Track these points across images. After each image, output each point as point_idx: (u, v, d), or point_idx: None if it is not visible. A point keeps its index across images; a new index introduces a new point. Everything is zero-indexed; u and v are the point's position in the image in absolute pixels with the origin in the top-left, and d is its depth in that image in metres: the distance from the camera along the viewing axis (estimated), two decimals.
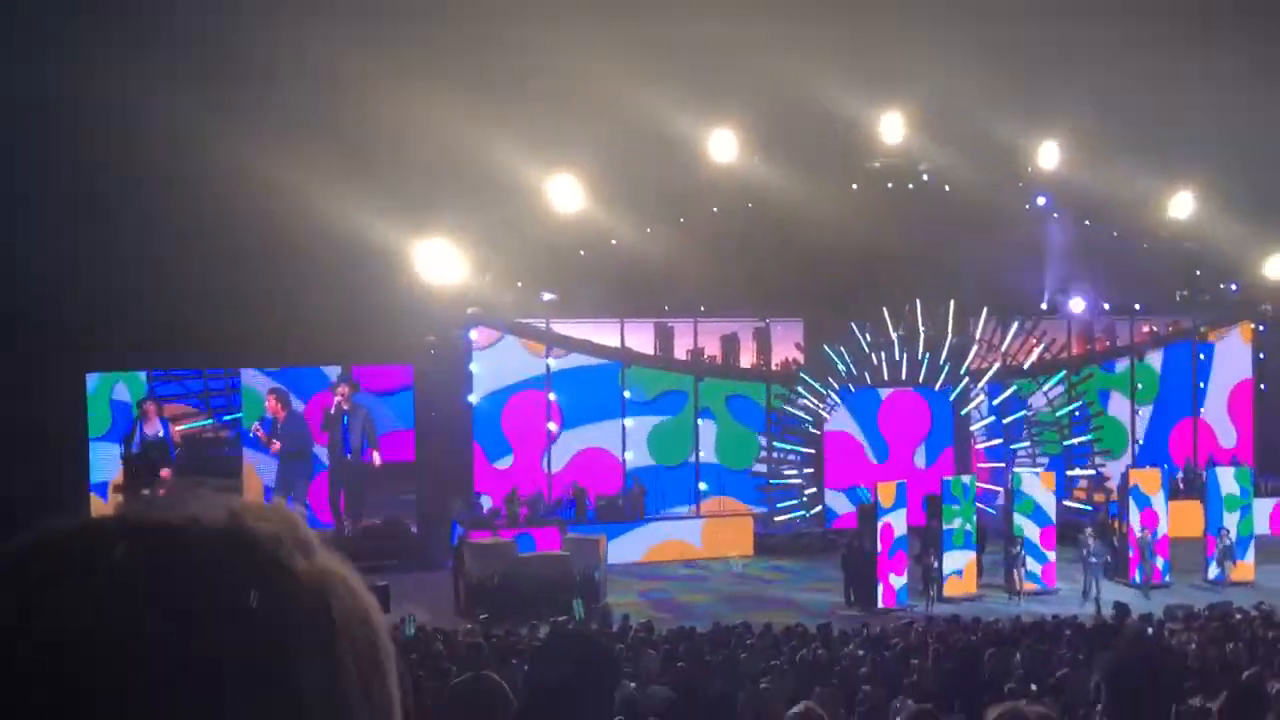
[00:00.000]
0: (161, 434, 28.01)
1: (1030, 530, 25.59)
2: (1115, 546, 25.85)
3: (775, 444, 31.05)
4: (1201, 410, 35.05)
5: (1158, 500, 26.21)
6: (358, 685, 0.85)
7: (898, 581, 24.39)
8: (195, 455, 28.37)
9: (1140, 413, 34.46)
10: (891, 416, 32.20)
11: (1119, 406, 34.12)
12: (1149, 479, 26.71)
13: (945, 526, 24.99)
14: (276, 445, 29.17)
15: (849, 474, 31.31)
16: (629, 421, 31.03)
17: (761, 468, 31.10)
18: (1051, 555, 25.68)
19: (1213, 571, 25.93)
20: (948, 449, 32.34)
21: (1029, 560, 25.00)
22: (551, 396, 30.65)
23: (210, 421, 29.23)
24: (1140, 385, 34.46)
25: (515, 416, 30.39)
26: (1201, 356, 35.03)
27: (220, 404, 29.47)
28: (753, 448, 31.47)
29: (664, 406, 31.41)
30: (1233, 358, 35.52)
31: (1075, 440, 32.32)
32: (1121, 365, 34.46)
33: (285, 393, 29.50)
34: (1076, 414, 32.52)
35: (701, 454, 31.42)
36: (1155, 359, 34.91)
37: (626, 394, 31.06)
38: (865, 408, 32.15)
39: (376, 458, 29.41)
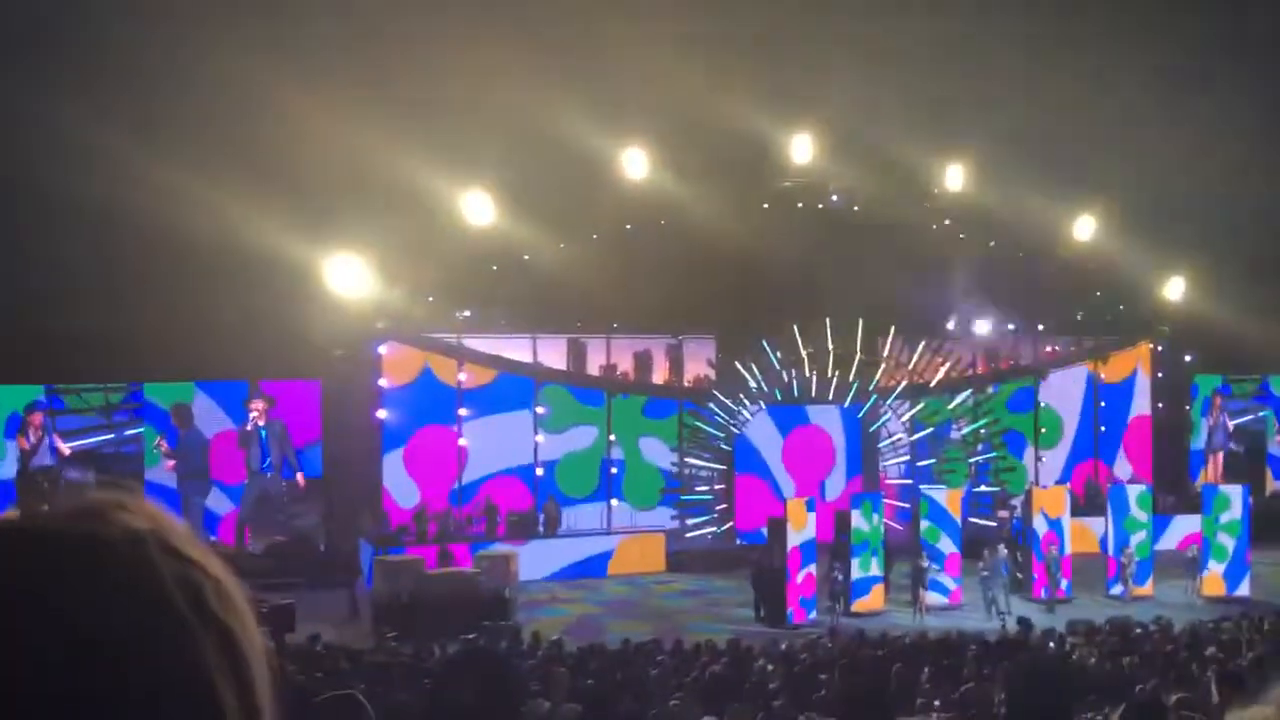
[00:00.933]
0: (46, 444, 27.39)
1: (943, 546, 26.01)
2: (1019, 561, 26.30)
3: (687, 459, 31.13)
4: (1101, 436, 35.97)
5: (1063, 520, 26.76)
6: (226, 685, 0.83)
7: (807, 604, 24.60)
8: (98, 469, 27.70)
9: (1043, 458, 35.25)
10: (796, 452, 32.31)
11: (1020, 445, 34.73)
12: (1053, 499, 27.24)
13: (853, 544, 25.27)
14: (171, 465, 28.64)
15: (757, 515, 31.04)
16: (540, 438, 30.93)
17: (673, 485, 31.18)
18: (951, 581, 26.06)
19: (1116, 589, 26.48)
20: (855, 478, 32.64)
21: (937, 576, 25.39)
22: (461, 440, 30.40)
23: (111, 436, 28.56)
24: (1044, 429, 35.32)
25: (422, 453, 30.15)
26: (1102, 404, 35.92)
27: (123, 418, 28.84)
28: (657, 487, 31.47)
29: (574, 440, 31.40)
30: (1131, 393, 36.54)
31: (980, 457, 32.88)
32: (1023, 402, 35.18)
33: (186, 408, 28.96)
34: (982, 431, 33.08)
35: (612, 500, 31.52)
36: (1059, 401, 35.65)
37: (540, 409, 30.95)
38: (769, 445, 32.36)
39: (300, 478, 29.07)
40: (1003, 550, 25.50)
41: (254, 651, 0.87)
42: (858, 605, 24.83)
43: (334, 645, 18.39)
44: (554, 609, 25.85)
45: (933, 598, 25.13)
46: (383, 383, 29.74)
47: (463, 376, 30.50)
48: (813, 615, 24.44)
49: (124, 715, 0.76)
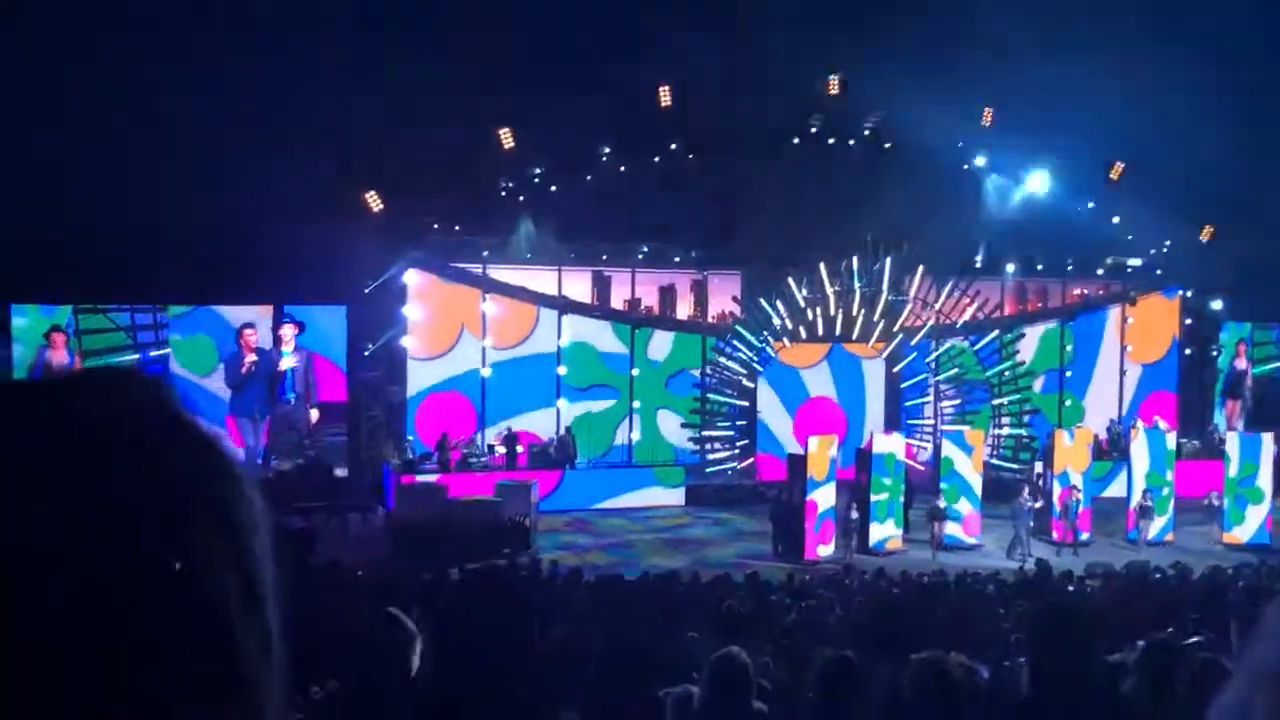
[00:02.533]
0: (67, 364, 27.41)
1: (962, 465, 26.18)
2: (1041, 506, 26.27)
3: (709, 395, 31.09)
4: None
5: (1085, 470, 26.78)
6: (224, 562, 0.80)
7: (824, 549, 24.70)
8: None
9: (1067, 400, 35.30)
10: (808, 421, 32.18)
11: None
12: (1077, 446, 27.15)
13: (874, 498, 25.33)
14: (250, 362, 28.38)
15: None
16: (562, 402, 31.12)
17: (693, 419, 31.16)
18: (971, 509, 26.16)
19: (1147, 532, 26.48)
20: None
21: (949, 517, 25.48)
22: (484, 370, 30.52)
23: (136, 356, 28.67)
24: (1068, 402, 35.21)
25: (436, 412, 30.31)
26: (1130, 346, 35.77)
27: (148, 339, 28.97)
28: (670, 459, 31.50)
29: (595, 396, 31.43)
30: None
31: (1005, 400, 32.66)
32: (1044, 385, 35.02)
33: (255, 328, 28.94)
34: (1006, 373, 32.84)
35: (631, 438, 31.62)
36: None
37: (562, 370, 31.08)
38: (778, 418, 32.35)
39: (315, 414, 28.93)
40: (1026, 493, 25.48)
41: (254, 530, 0.84)
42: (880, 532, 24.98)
43: (354, 568, 18.57)
44: (572, 538, 26.04)
45: (951, 526, 25.30)
46: (407, 311, 29.77)
47: (488, 307, 30.52)
48: (829, 551, 24.56)
49: (111, 588, 0.74)
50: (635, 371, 31.65)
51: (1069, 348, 35.71)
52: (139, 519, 0.76)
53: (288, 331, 28.87)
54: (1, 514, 0.73)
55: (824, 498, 24.72)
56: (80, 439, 0.77)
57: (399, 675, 3.46)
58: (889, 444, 26.08)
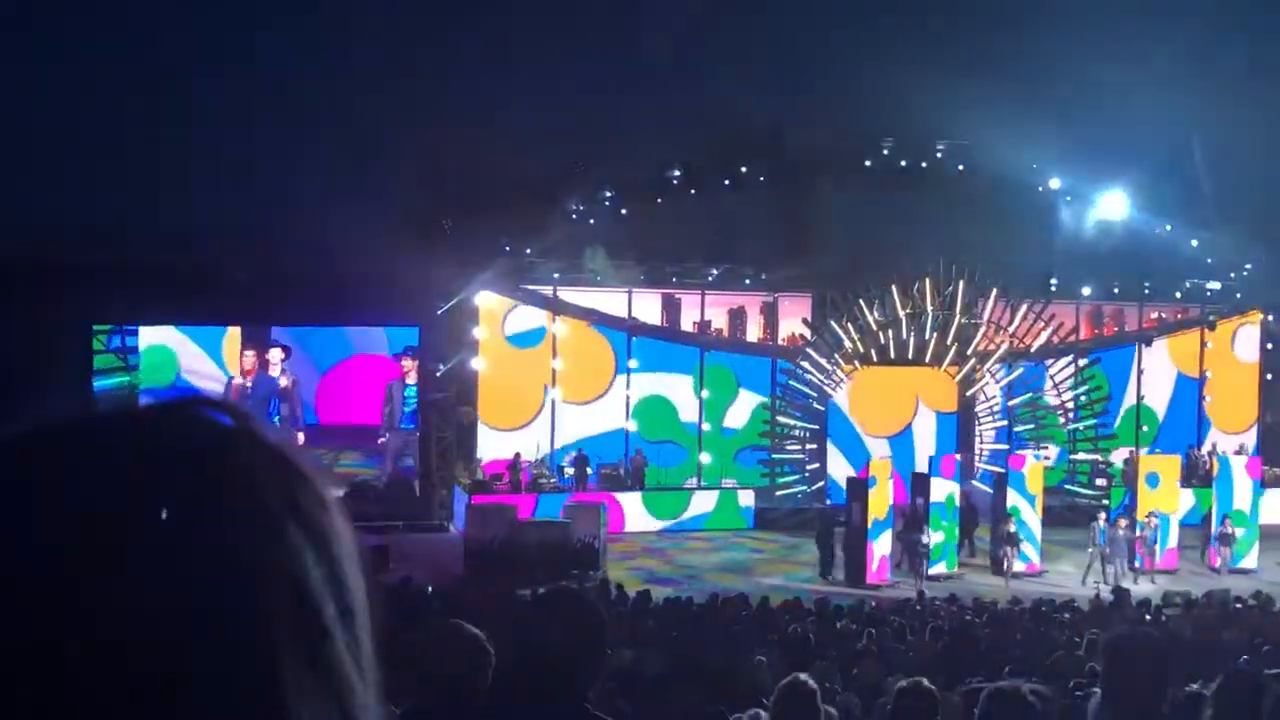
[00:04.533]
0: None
1: (1025, 512, 25.65)
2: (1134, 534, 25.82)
3: (779, 419, 30.90)
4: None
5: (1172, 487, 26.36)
6: (324, 590, 0.81)
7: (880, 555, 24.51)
8: None
9: (1144, 426, 34.72)
10: None
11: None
12: (1167, 466, 26.76)
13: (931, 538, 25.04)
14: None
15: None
16: (630, 424, 31.16)
17: (764, 441, 31.02)
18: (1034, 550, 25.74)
19: (1217, 561, 25.99)
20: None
21: (1023, 541, 25.06)
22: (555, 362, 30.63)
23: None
24: (1145, 427, 34.66)
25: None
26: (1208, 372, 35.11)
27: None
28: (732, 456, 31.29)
29: (662, 383, 31.45)
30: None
31: (1079, 425, 32.13)
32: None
33: (262, 352, 29.30)
34: (1082, 398, 32.32)
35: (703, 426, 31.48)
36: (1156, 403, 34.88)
37: (633, 363, 31.09)
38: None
39: (300, 437, 28.78)
40: (1124, 522, 25.05)
41: (350, 557, 0.85)
42: (934, 569, 24.66)
43: (425, 587, 18.71)
44: (641, 561, 26.02)
45: (1017, 564, 24.90)
46: (477, 333, 30.00)
47: (558, 329, 30.65)
48: (889, 576, 24.33)
49: (216, 615, 0.75)
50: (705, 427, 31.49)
51: (1143, 373, 35.12)
52: (238, 538, 0.78)
53: (275, 355, 29.18)
54: (118, 543, 0.74)
55: (879, 502, 24.55)
56: (175, 466, 0.78)
57: (475, 694, 3.49)
58: (945, 487, 25.56)
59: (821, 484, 30.86)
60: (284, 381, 28.99)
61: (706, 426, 31.53)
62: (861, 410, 31.91)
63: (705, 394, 31.60)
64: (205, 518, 0.77)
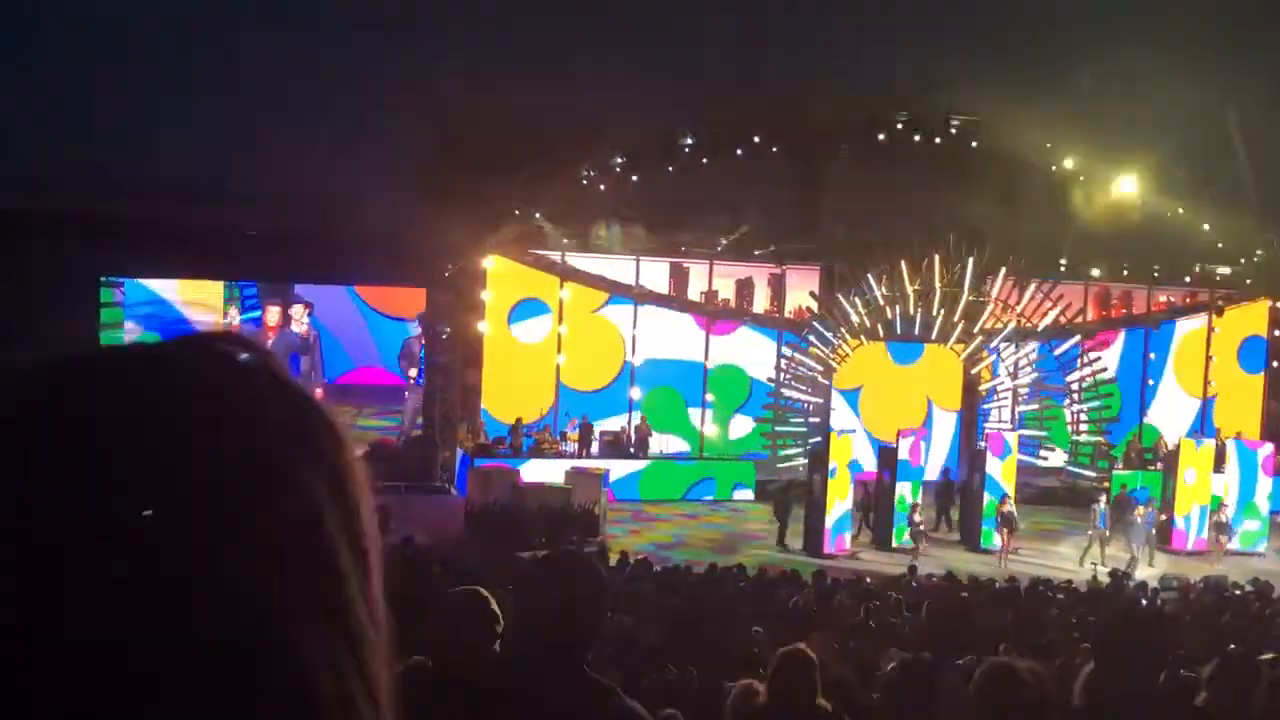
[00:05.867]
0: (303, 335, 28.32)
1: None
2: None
3: (783, 391, 30.87)
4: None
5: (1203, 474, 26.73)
6: (337, 528, 0.81)
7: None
8: None
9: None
10: None
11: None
12: (1202, 460, 26.99)
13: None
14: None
15: None
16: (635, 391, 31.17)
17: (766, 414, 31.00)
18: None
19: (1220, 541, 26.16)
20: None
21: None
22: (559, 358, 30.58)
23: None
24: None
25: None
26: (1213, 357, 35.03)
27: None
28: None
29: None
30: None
31: (1085, 406, 32.06)
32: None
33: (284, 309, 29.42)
34: (1088, 380, 32.24)
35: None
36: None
37: (635, 361, 31.10)
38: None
39: (320, 393, 28.92)
40: (1143, 506, 25.13)
41: (363, 495, 0.84)
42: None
43: (427, 548, 18.81)
44: (641, 529, 26.09)
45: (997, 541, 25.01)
46: (484, 296, 29.98)
47: (565, 295, 30.60)
48: (847, 547, 24.88)
49: (233, 550, 0.75)
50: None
51: (1152, 356, 35.07)
52: (253, 470, 0.77)
53: (297, 310, 29.31)
54: (131, 481, 0.74)
55: (844, 494, 24.94)
56: (191, 398, 0.78)
57: (482, 652, 3.52)
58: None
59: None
60: (304, 334, 29.15)
61: (713, 431, 31.49)
62: (874, 416, 31.60)
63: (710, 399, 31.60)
64: (219, 452, 0.77)
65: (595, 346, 30.67)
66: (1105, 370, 32.55)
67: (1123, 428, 32.96)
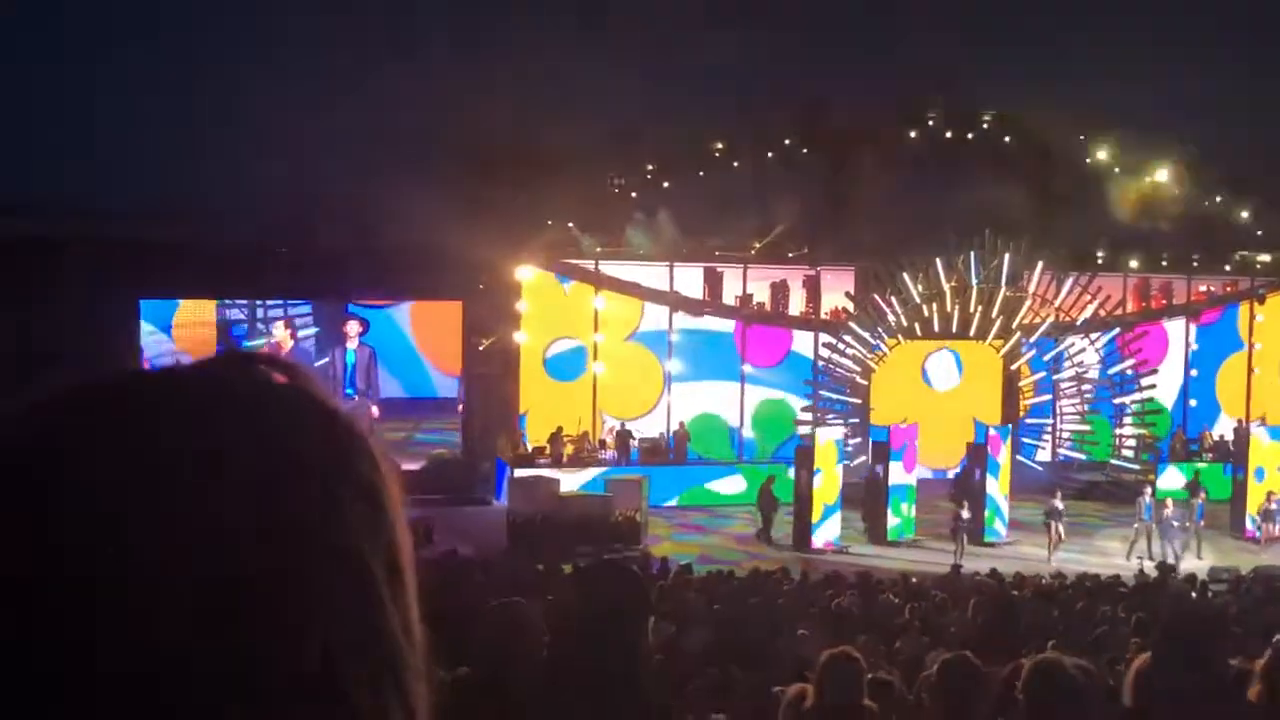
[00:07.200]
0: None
1: (990, 485, 26.19)
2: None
3: (821, 393, 30.74)
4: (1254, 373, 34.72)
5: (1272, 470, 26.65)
6: (374, 550, 0.80)
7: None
8: None
9: (1194, 400, 34.48)
10: None
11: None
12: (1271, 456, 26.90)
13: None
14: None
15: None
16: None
17: (806, 417, 30.88)
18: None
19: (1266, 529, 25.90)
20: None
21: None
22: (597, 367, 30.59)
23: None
24: (1193, 402, 34.33)
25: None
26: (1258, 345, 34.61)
27: (240, 333, 29.67)
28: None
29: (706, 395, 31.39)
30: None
31: (1126, 399, 31.78)
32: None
33: (294, 322, 29.55)
34: (1129, 372, 31.96)
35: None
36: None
37: (671, 364, 31.08)
38: None
39: (375, 410, 29.17)
40: (1172, 505, 24.90)
41: (399, 514, 0.84)
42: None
43: (470, 560, 18.89)
44: (683, 535, 26.09)
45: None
46: (519, 307, 30.03)
47: (599, 303, 30.59)
48: (837, 543, 25.13)
49: (272, 578, 0.75)
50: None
51: (1194, 346, 34.74)
52: (290, 493, 0.77)
53: (353, 327, 29.38)
54: (159, 498, 0.73)
55: (828, 489, 25.23)
56: (228, 420, 0.78)
57: (527, 663, 3.54)
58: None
59: (863, 459, 30.67)
60: (358, 352, 29.31)
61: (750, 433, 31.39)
62: (928, 448, 31.06)
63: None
64: (252, 473, 0.76)
65: (632, 376, 30.63)
66: (1155, 388, 32.08)
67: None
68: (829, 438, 26.34)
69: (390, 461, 0.86)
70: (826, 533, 25.33)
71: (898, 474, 26.14)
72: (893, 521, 25.94)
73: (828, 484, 25.38)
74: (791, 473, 26.07)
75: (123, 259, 26.43)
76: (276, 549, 0.75)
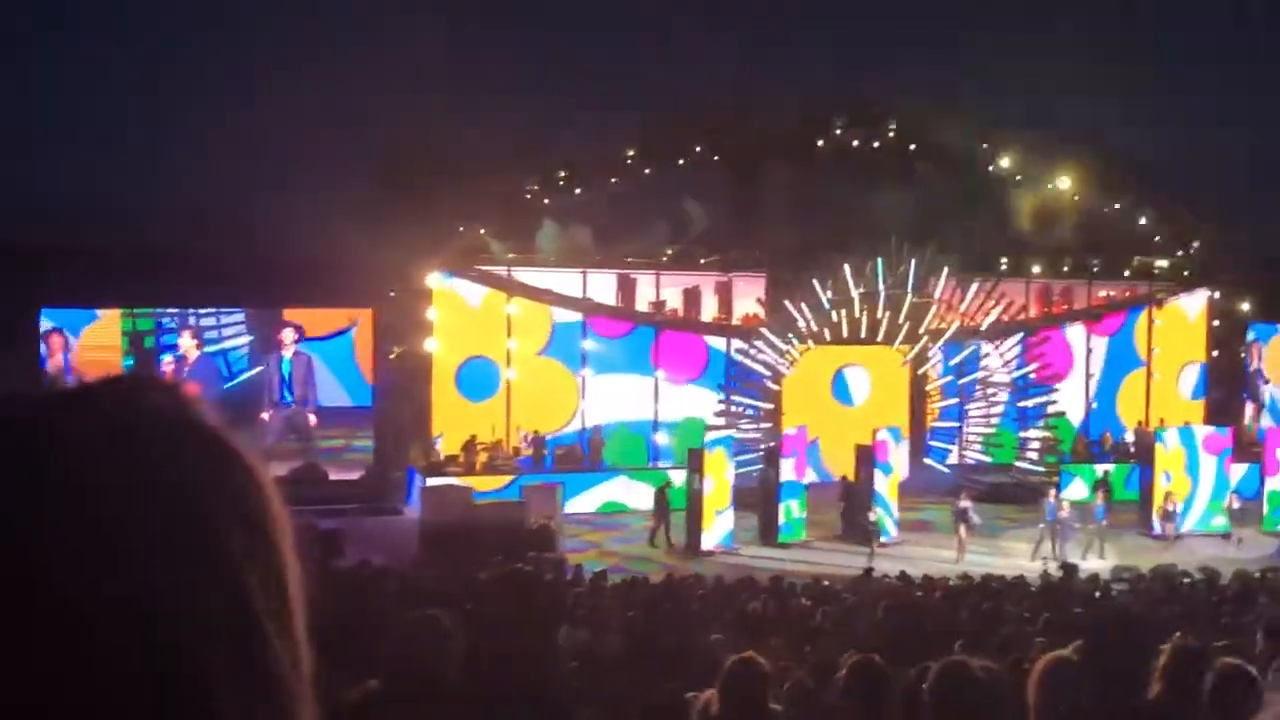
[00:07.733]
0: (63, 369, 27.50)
1: (880, 483, 26.49)
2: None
3: (734, 398, 31.00)
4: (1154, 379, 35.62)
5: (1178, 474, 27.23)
6: (254, 577, 0.79)
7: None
8: None
9: (1094, 404, 35.11)
10: None
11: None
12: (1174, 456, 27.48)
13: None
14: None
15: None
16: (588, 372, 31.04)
17: (718, 421, 31.05)
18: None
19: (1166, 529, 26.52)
20: None
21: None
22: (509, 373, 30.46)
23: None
24: (1094, 405, 35.04)
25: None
26: (1158, 350, 35.46)
27: (151, 345, 29.05)
28: None
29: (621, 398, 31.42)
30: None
31: (1029, 402, 32.48)
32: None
33: (200, 333, 29.01)
34: (1031, 376, 32.69)
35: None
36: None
37: (587, 344, 31.03)
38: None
39: (312, 417, 28.85)
40: (1069, 507, 25.39)
41: (284, 536, 0.82)
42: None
43: (383, 570, 18.64)
44: (597, 542, 26.06)
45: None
46: (430, 315, 29.80)
47: (512, 310, 30.48)
48: (729, 544, 25.42)
49: (145, 605, 0.73)
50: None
51: (1093, 351, 35.55)
52: (164, 521, 0.75)
53: (288, 335, 29.00)
54: (32, 522, 0.72)
55: (719, 495, 25.55)
56: (102, 445, 0.76)
57: (437, 674, 3.52)
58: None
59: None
60: (294, 360, 28.88)
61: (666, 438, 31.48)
62: (835, 460, 31.30)
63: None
64: (121, 501, 0.75)
65: (547, 389, 30.51)
66: (1058, 390, 32.80)
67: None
68: (719, 447, 26.37)
69: (274, 482, 0.84)
70: (716, 535, 25.50)
71: (788, 477, 26.32)
72: (783, 523, 26.06)
73: (719, 490, 25.59)
74: (683, 479, 26.22)
75: (23, 267, 25.79)
76: (145, 577, 0.73)
